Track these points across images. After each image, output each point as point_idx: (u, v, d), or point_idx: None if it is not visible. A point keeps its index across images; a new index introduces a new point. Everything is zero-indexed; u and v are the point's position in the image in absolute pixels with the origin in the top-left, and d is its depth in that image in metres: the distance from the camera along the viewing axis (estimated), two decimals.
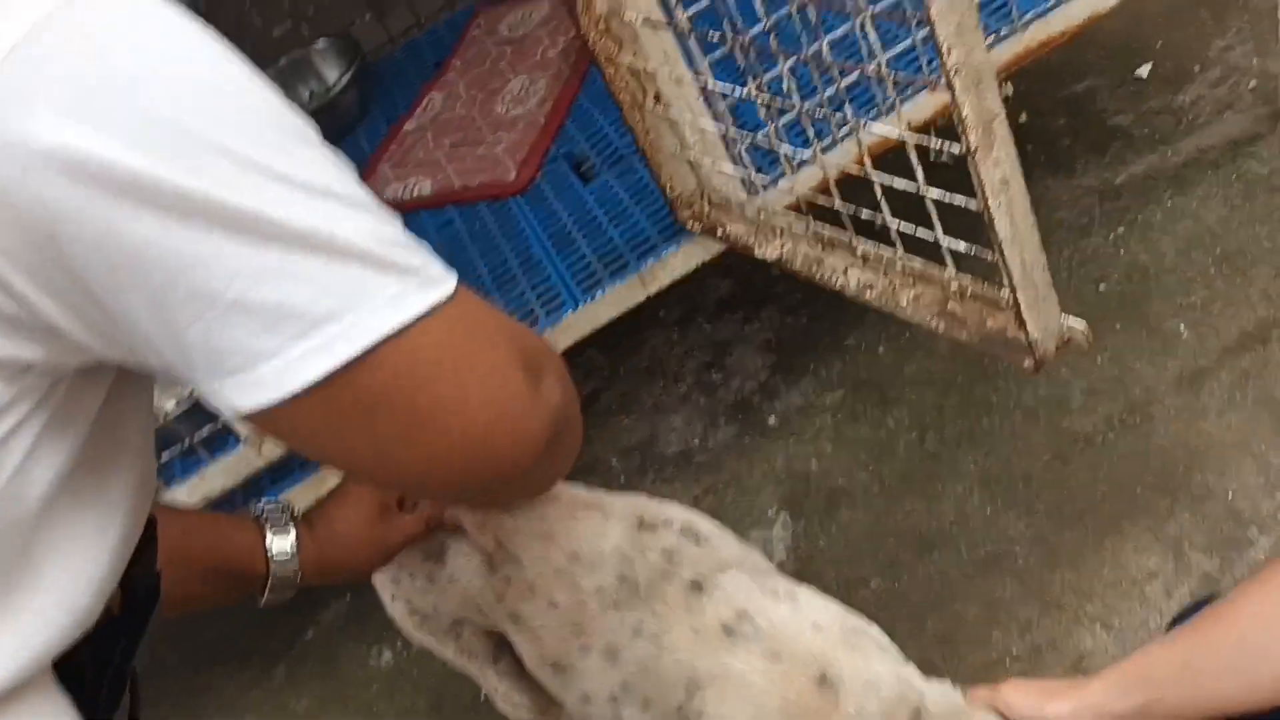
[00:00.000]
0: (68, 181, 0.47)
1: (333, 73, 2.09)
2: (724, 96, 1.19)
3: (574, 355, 1.94)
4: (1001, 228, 0.91)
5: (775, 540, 1.57)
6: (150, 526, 0.71)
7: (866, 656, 0.88)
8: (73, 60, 0.48)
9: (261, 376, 0.52)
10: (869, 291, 1.17)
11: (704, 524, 1.02)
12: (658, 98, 1.26)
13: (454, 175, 1.76)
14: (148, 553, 0.71)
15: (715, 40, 1.10)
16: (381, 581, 1.07)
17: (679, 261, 1.44)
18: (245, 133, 0.51)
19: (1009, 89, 1.66)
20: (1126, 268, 1.62)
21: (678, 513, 1.02)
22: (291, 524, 0.92)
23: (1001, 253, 0.92)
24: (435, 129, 1.89)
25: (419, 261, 0.56)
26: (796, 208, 1.23)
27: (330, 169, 0.54)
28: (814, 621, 0.90)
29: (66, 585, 0.59)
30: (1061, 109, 1.89)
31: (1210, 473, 1.38)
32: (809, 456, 1.64)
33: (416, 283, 0.55)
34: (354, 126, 2.03)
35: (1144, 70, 1.86)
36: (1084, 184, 1.76)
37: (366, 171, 1.89)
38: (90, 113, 0.48)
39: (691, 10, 1.16)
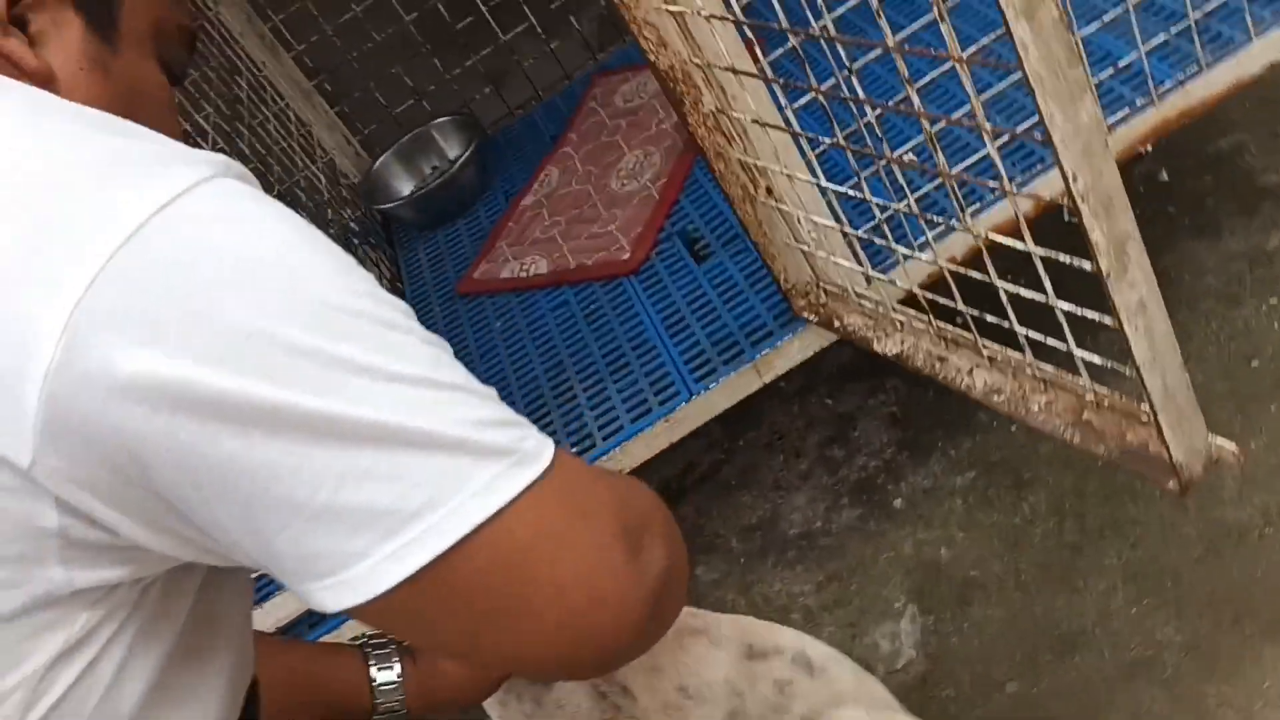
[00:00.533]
0: (148, 409, 0.47)
1: (454, 148, 2.12)
2: (836, 191, 1.14)
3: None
4: (1139, 351, 0.84)
5: (904, 634, 1.50)
6: (253, 687, 0.71)
7: None
8: (148, 286, 0.47)
9: (351, 578, 0.51)
10: (996, 396, 1.10)
11: (817, 650, 0.97)
12: (769, 190, 1.23)
13: (569, 253, 1.76)
14: (248, 713, 0.71)
15: (824, 141, 1.06)
16: (490, 704, 1.06)
17: (796, 349, 1.40)
18: (328, 329, 0.50)
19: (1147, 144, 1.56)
20: None
21: (789, 639, 0.98)
22: (396, 655, 0.92)
23: (1140, 375, 0.85)
24: (552, 205, 1.90)
25: (515, 438, 0.54)
26: (916, 303, 1.17)
27: (420, 353, 0.53)
28: None
29: None
30: (1206, 166, 1.78)
31: None
32: (939, 543, 1.57)
33: (511, 463, 0.53)
34: (474, 202, 2.06)
35: None
36: (1232, 249, 1.65)
37: (486, 247, 1.90)
38: (166, 337, 0.47)
39: (799, 102, 1.13)
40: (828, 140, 1.06)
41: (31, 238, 0.47)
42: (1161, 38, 1.33)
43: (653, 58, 1.13)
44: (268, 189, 1.87)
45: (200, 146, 1.83)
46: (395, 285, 1.94)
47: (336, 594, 0.52)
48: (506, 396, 1.60)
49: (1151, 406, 0.88)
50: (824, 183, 1.14)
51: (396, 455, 0.50)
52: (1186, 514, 1.42)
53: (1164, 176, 1.79)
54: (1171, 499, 1.44)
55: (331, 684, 0.90)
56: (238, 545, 0.52)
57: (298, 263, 0.51)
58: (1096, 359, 0.96)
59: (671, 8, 1.09)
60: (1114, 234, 0.78)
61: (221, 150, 1.73)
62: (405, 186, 2.11)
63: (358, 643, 0.93)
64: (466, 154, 2.03)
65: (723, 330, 1.47)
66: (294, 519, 0.50)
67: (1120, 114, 1.33)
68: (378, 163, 2.10)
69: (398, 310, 0.54)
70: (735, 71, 1.09)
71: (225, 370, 0.47)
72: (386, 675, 0.91)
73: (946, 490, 1.62)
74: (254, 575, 0.68)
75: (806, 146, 1.15)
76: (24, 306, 0.46)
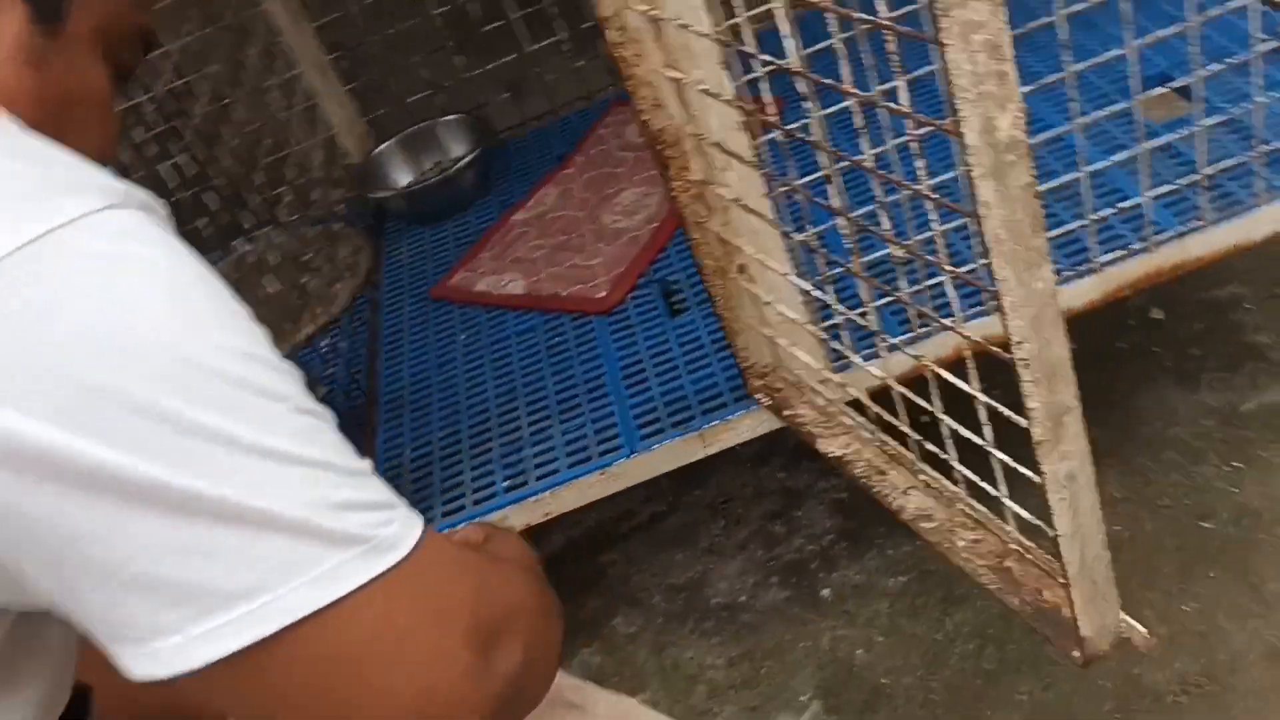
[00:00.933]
0: None
1: (458, 148, 2.09)
2: (804, 290, 1.12)
3: None
4: (1061, 522, 0.81)
5: None
6: (85, 696, 0.69)
7: None
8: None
9: (157, 651, 0.49)
10: (925, 522, 1.08)
11: None
12: (742, 269, 1.20)
13: (547, 280, 1.73)
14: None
15: (794, 237, 1.04)
16: None
17: (745, 427, 1.37)
18: (187, 392, 0.48)
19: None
20: (1237, 509, 1.48)
21: None
22: None
23: (1057, 546, 0.83)
24: (542, 226, 1.87)
25: (372, 523, 0.52)
26: (865, 410, 1.15)
27: (290, 425, 0.51)
28: None
29: None
30: (1200, 313, 1.75)
31: None
32: (857, 644, 1.54)
33: (360, 551, 0.51)
34: (468, 206, 2.03)
35: None
36: (1208, 403, 1.62)
37: (468, 255, 1.88)
38: (8, 390, 0.45)
39: (779, 191, 1.10)
40: (798, 236, 1.03)
41: None
42: (1169, 186, 1.31)
43: (646, 118, 1.10)
44: (253, 162, 1.84)
45: (192, 107, 1.81)
46: (370, 276, 1.91)
47: (142, 664, 0.49)
48: (453, 413, 1.58)
49: (1066, 577, 0.86)
50: (794, 278, 1.11)
51: (229, 533, 0.48)
52: (1105, 663, 1.39)
53: (1157, 314, 1.77)
54: None
55: (185, 706, 0.87)
56: (49, 597, 0.49)
57: (172, 316, 0.49)
58: (1025, 513, 0.93)
59: (672, 74, 1.06)
60: (1052, 404, 0.75)
61: (207, 113, 1.71)
62: (403, 178, 2.09)
63: None
64: (470, 156, 2.01)
65: (678, 391, 1.44)
66: (108, 582, 0.48)
67: (1115, 254, 1.31)
68: (380, 148, 2.08)
69: (280, 375, 0.52)
70: (724, 150, 1.07)
71: (55, 425, 0.45)
72: None
73: (877, 590, 1.60)
74: None
75: (780, 238, 1.13)
76: None
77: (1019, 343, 0.72)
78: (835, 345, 1.11)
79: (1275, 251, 1.75)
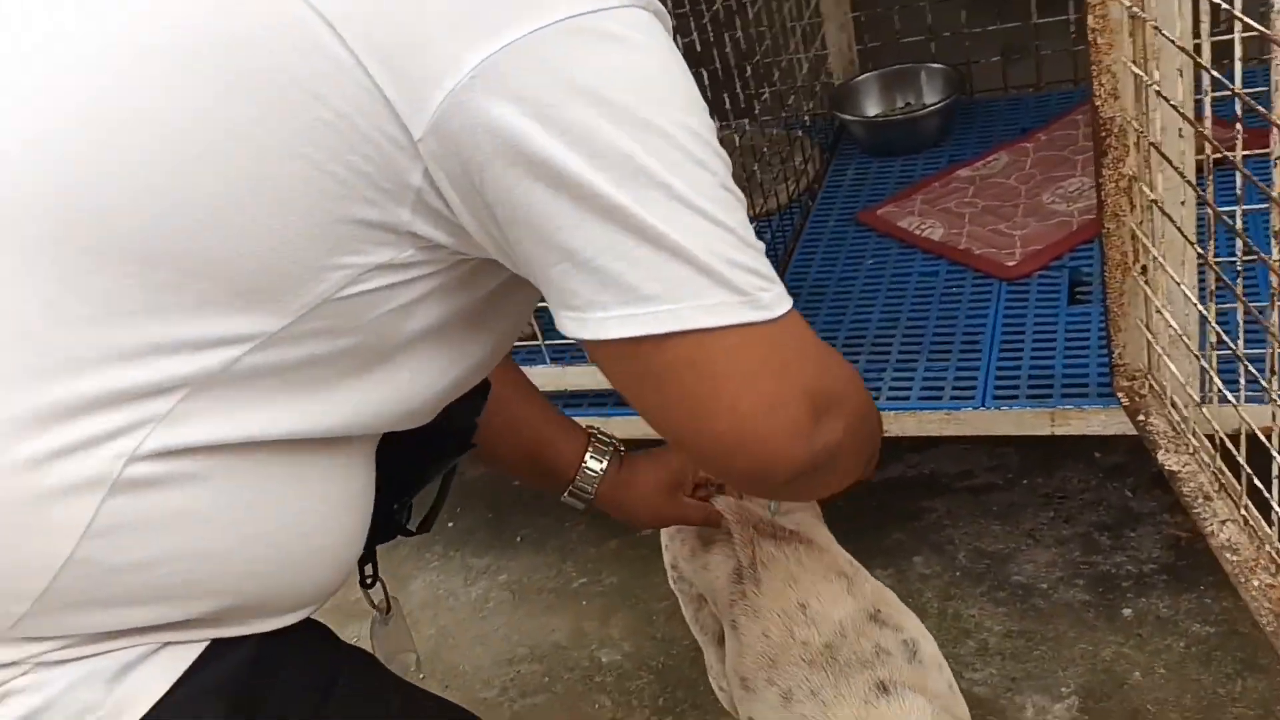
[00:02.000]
0: (493, 148, 0.61)
1: (931, 95, 2.20)
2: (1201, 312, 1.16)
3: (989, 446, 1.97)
4: None
5: (1052, 717, 1.53)
6: (485, 384, 0.89)
7: None
8: (540, 66, 0.61)
9: (587, 320, 0.66)
10: (1230, 554, 1.11)
11: (929, 648, 1.07)
12: (1144, 270, 1.25)
13: (966, 235, 1.83)
14: (474, 400, 0.89)
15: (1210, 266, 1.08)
16: (666, 533, 1.25)
17: (1098, 421, 1.42)
18: (643, 142, 0.63)
19: None
20: None
21: (913, 625, 1.08)
22: (609, 455, 1.10)
23: None
24: (980, 186, 1.95)
25: (756, 286, 0.66)
26: (1212, 440, 1.18)
27: (715, 194, 0.65)
28: None
29: (405, 389, 0.75)
30: None
31: None
32: (1136, 667, 1.56)
33: (740, 301, 0.65)
34: (925, 148, 2.14)
35: None
36: None
37: (906, 192, 2.00)
38: (532, 102, 0.61)
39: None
40: (1213, 268, 1.07)
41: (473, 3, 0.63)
42: None
43: (1099, 103, 1.18)
44: (750, 56, 2.04)
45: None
46: (812, 187, 2.09)
47: (575, 326, 0.67)
48: (836, 322, 1.73)
49: None
50: (1189, 292, 1.15)
51: (651, 252, 0.64)
52: None
53: None
54: None
55: (547, 447, 1.09)
56: (527, 262, 0.68)
57: (661, 89, 0.65)
58: None
59: (1135, 69, 1.13)
60: None
61: (727, 5, 1.93)
62: (873, 109, 2.23)
63: (588, 429, 1.12)
64: (940, 104, 2.11)
65: (1046, 369, 1.51)
66: (566, 261, 0.65)
67: None
68: (860, 77, 2.23)
69: (717, 158, 0.67)
70: (1159, 152, 1.12)
71: (561, 143, 0.62)
72: (595, 464, 1.10)
73: (1179, 629, 1.59)
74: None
75: (1192, 253, 1.17)
76: (456, 44, 0.61)
77: None
78: (1210, 372, 1.14)
79: None
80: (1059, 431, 1.45)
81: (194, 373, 0.66)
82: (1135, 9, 1.07)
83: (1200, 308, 1.13)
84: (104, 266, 0.63)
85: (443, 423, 0.83)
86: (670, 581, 1.27)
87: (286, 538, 0.74)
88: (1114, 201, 1.24)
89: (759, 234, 0.70)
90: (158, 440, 0.66)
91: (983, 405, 1.48)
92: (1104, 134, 1.20)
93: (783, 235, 1.97)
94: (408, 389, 0.75)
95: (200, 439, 0.67)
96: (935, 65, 2.21)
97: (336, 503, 0.77)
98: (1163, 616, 1.62)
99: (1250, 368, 1.07)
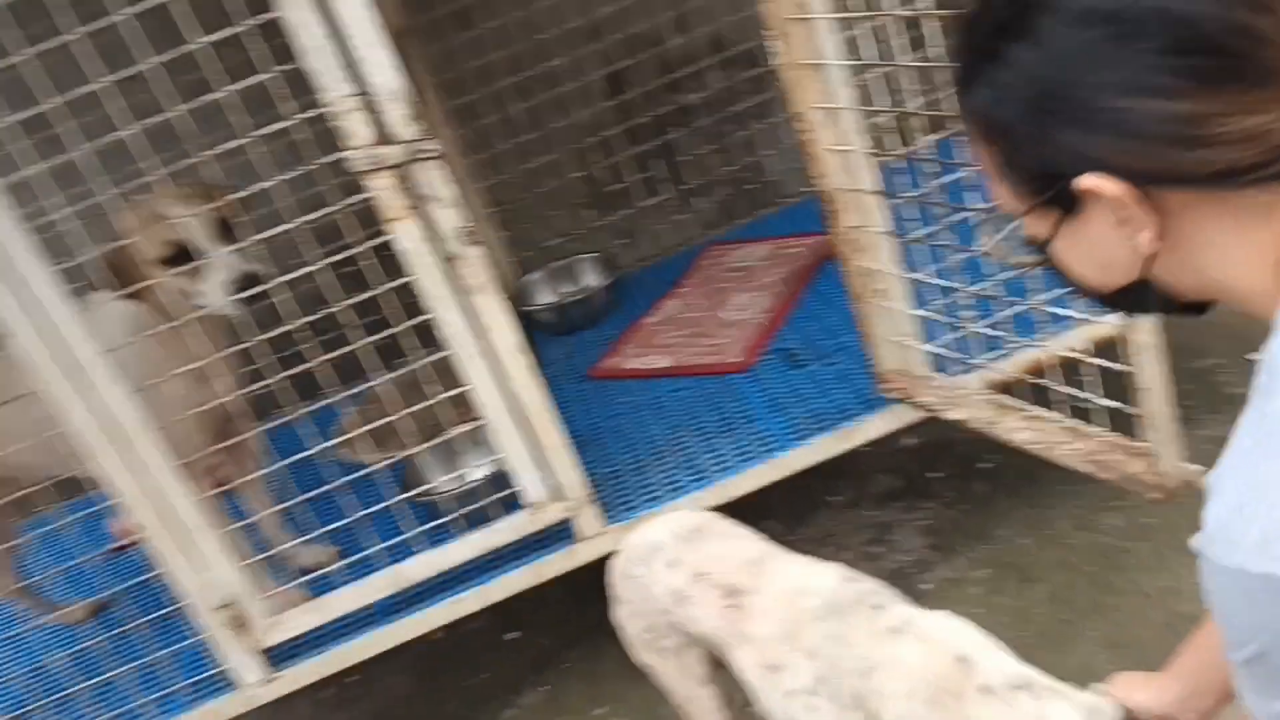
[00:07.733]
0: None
1: (590, 279, 2.63)
2: (923, 306, 1.63)
3: (756, 521, 2.32)
4: (1142, 378, 1.30)
5: None
6: None
7: (997, 650, 1.19)
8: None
9: None
10: (1034, 445, 1.55)
11: (890, 591, 1.35)
12: (875, 293, 1.72)
13: (688, 355, 2.23)
14: None
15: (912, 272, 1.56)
16: (622, 612, 1.43)
17: (876, 425, 1.84)
18: None
19: None
20: None
21: (872, 580, 1.36)
22: None
23: (1132, 425, 1.30)
24: (672, 324, 2.38)
25: None
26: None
27: None
28: (957, 626, 1.23)
29: None
30: (1187, 379, 2.27)
31: None
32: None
33: None
34: (602, 318, 2.55)
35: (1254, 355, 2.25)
36: (1205, 434, 2.12)
37: (612, 348, 2.37)
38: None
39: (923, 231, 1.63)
40: (918, 275, 1.55)
41: None
42: None
43: (816, 182, 1.65)
44: None
45: None
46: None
47: None
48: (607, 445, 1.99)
49: (1145, 423, 1.33)
50: (914, 312, 1.62)
51: None
52: (1150, 601, 1.82)
53: None
54: (1142, 595, 1.84)
55: None
56: None
57: None
58: (1114, 404, 1.41)
59: (837, 148, 1.61)
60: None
61: None
62: (547, 298, 2.62)
63: None
64: (606, 282, 2.55)
65: (816, 411, 1.92)
66: None
67: None
68: (528, 276, 2.62)
69: None
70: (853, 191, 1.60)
71: None
72: None
73: (967, 581, 2.02)
74: None
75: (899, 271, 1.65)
76: None
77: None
78: (944, 354, 1.61)
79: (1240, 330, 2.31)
80: (854, 443, 1.85)
81: None
82: (828, 106, 1.56)
83: (917, 312, 1.60)
84: None
85: None
86: (646, 657, 1.44)
87: None
88: (844, 248, 1.70)
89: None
90: None
91: (786, 449, 1.84)
92: (828, 203, 1.66)
93: None
94: None
95: None
96: (584, 257, 2.66)
97: None
98: (951, 578, 2.04)
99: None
